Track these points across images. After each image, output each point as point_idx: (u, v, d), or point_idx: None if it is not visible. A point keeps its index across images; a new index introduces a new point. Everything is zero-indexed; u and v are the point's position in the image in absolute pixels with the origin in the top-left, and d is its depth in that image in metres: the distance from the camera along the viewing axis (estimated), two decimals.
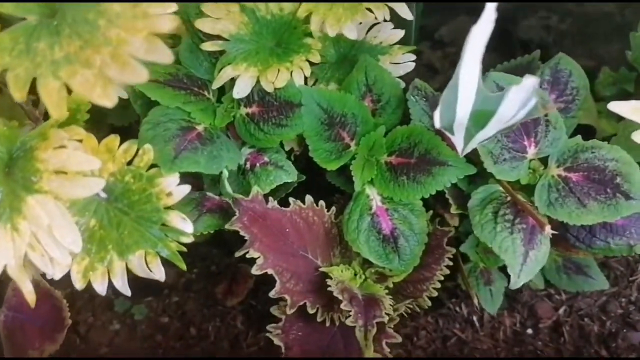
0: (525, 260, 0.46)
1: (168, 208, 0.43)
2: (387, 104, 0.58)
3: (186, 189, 0.42)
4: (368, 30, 0.61)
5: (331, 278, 0.54)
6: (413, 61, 0.60)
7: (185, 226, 0.42)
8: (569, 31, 1.02)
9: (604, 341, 0.73)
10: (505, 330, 0.74)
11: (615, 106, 0.41)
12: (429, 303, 0.56)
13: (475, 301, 0.64)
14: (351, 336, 0.52)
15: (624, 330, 0.73)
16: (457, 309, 0.76)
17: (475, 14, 0.36)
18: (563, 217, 0.49)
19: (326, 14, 0.51)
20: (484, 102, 0.39)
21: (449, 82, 0.38)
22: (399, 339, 0.52)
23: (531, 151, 0.51)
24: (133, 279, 0.45)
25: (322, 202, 0.57)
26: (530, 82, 0.37)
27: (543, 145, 0.51)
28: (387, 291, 0.55)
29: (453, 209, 0.53)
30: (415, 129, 0.55)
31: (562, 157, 0.51)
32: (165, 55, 0.32)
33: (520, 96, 0.38)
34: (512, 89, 0.38)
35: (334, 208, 0.58)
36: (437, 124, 0.39)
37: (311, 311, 0.52)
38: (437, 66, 1.02)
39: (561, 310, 0.75)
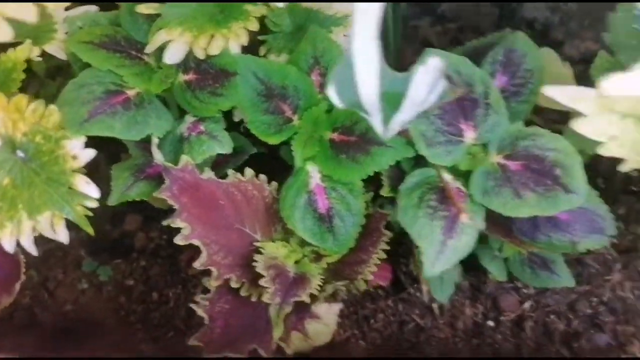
0: (442, 249, 0.43)
1: (75, 171, 0.43)
2: None
3: (92, 152, 0.42)
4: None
5: (261, 253, 0.53)
6: None
7: (90, 190, 0.42)
8: (576, 12, 0.96)
9: (567, 340, 0.69)
10: (465, 320, 0.72)
11: (550, 90, 0.38)
12: (364, 286, 0.55)
13: (424, 288, 0.61)
14: None
15: (591, 331, 0.70)
16: (419, 294, 0.74)
17: None
18: (497, 208, 0.47)
19: None
20: (393, 83, 0.37)
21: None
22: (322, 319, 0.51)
23: (469, 135, 0.48)
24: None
25: (263, 177, 0.56)
26: (434, 63, 0.34)
27: (482, 130, 0.48)
28: (320, 271, 0.53)
29: (385, 191, 0.51)
30: None
31: (503, 144, 0.48)
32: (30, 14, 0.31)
33: (428, 78, 0.36)
34: (418, 70, 0.35)
35: (275, 183, 0.56)
36: (336, 102, 0.36)
37: (235, 285, 0.51)
38: (433, 42, 0.98)
39: (527, 305, 0.72)
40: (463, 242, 0.44)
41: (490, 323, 0.72)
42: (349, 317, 0.74)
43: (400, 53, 0.79)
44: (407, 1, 0.85)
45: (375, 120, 0.41)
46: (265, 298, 0.48)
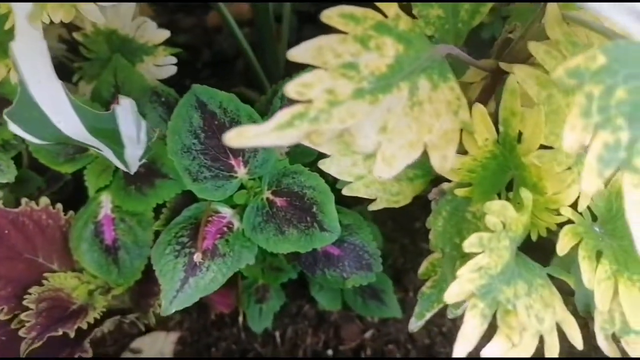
0: (182, 286, 0.43)
1: None
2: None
3: None
4: (138, 28, 0.58)
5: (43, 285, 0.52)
6: (174, 64, 0.57)
7: None
8: None
9: None
10: (305, 349, 0.71)
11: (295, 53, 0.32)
12: (154, 320, 0.54)
13: (240, 318, 0.61)
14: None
15: None
16: None
17: None
18: (262, 243, 0.46)
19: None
20: (98, 119, 0.36)
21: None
22: (90, 354, 0.50)
23: (242, 171, 0.47)
24: None
25: (59, 205, 0.55)
26: (126, 102, 0.34)
27: (253, 165, 0.47)
28: (104, 304, 0.52)
29: (157, 224, 0.50)
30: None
31: (272, 180, 0.47)
32: None
33: (130, 116, 0.35)
34: (116, 109, 0.35)
35: (72, 212, 0.55)
36: (29, 138, 0.36)
37: (3, 317, 0.50)
38: None
39: (368, 334, 0.72)
40: (207, 280, 0.43)
41: (330, 352, 0.71)
42: (191, 345, 0.73)
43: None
44: None
45: (108, 153, 0.41)
46: (21, 332, 0.47)
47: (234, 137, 0.28)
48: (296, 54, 0.29)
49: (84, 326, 0.49)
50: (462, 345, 0.30)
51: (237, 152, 0.47)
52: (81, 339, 0.49)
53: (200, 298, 0.74)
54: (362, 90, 0.30)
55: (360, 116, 0.29)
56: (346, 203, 0.52)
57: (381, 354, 0.70)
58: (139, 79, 0.55)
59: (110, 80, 0.55)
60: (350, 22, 0.29)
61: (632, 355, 0.35)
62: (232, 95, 0.46)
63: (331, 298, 0.67)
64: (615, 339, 0.36)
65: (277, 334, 0.72)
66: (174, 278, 0.43)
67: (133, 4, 0.57)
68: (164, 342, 0.71)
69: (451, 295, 0.31)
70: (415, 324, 0.44)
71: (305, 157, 0.50)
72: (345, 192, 0.43)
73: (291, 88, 0.28)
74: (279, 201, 0.47)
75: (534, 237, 0.38)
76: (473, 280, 0.32)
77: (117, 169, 0.54)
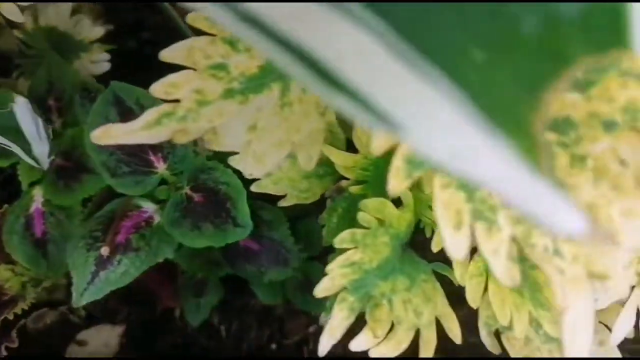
0: (93, 280, 0.44)
1: None
2: (70, 104, 0.56)
3: None
4: (76, 25, 0.59)
5: None
6: (108, 61, 0.58)
7: None
8: None
9: None
10: (250, 343, 0.73)
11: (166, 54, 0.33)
12: (83, 313, 0.55)
13: (177, 312, 0.62)
14: None
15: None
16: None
17: None
18: (179, 238, 0.47)
19: None
20: (1, 118, 0.37)
21: None
22: (15, 344, 0.51)
23: (161, 166, 0.49)
24: None
25: None
26: (20, 100, 0.35)
27: (172, 161, 0.48)
28: (34, 295, 0.54)
29: (81, 219, 0.51)
30: (77, 131, 0.53)
31: (191, 176, 0.49)
32: None
33: (27, 114, 0.36)
34: (14, 107, 0.36)
35: (7, 206, 0.57)
36: None
37: None
38: None
39: (312, 328, 0.73)
40: (118, 274, 0.44)
41: (273, 346, 0.73)
42: (137, 339, 0.74)
43: None
44: None
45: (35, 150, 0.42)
46: None
47: (101, 135, 0.29)
48: (167, 54, 0.30)
49: (10, 317, 0.50)
50: (327, 339, 0.31)
51: (156, 148, 0.48)
52: (9, 330, 0.51)
53: (147, 292, 0.75)
54: (232, 91, 0.31)
55: (229, 115, 0.30)
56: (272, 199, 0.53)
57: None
58: (73, 76, 0.56)
59: (44, 77, 0.56)
60: (217, 24, 0.30)
61: (512, 354, 0.36)
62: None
63: (269, 292, 0.68)
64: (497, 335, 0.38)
65: (223, 328, 0.74)
66: (85, 271, 0.44)
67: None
68: (109, 335, 0.72)
69: (321, 289, 0.32)
70: (324, 318, 0.45)
71: (227, 153, 0.51)
72: (254, 188, 0.44)
73: (159, 88, 0.29)
74: (196, 197, 0.48)
75: (428, 234, 0.39)
76: (346, 275, 0.33)
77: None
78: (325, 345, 0.31)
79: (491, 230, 0.23)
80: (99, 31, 0.58)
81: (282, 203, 0.45)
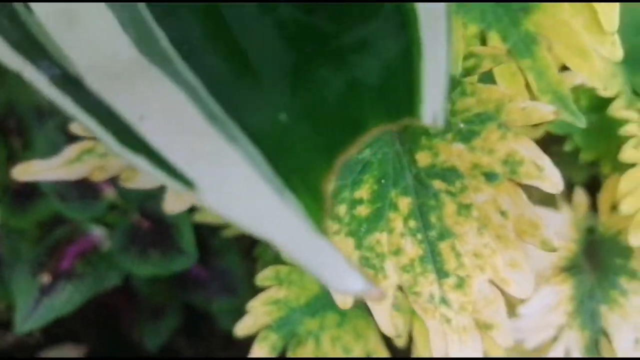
0: (37, 306, 0.44)
1: None
2: (31, 126, 0.57)
3: None
4: None
5: None
6: None
7: None
8: None
9: None
10: None
11: None
12: (38, 334, 0.55)
13: (137, 335, 0.62)
14: None
15: None
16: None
17: None
18: (127, 265, 0.47)
19: None
20: None
21: None
22: None
23: (111, 191, 0.49)
24: None
25: None
26: None
27: (122, 186, 0.48)
28: None
29: (33, 243, 0.51)
30: (33, 154, 0.54)
31: (140, 202, 0.49)
32: None
33: None
34: None
35: None
36: None
37: None
38: None
39: None
40: (62, 301, 0.44)
41: None
42: (99, 358, 0.74)
43: None
44: None
45: None
46: None
47: (20, 172, 0.29)
48: None
49: None
50: None
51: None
52: None
53: (108, 312, 0.75)
54: None
55: None
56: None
57: None
58: (31, 97, 0.57)
59: (4, 98, 0.56)
60: None
61: None
62: None
63: (230, 317, 0.68)
64: None
65: (187, 352, 0.73)
66: (28, 298, 0.44)
67: None
68: (71, 354, 0.72)
69: (241, 328, 0.32)
70: None
71: None
72: (196, 217, 0.44)
73: (79, 125, 0.29)
74: (145, 224, 0.48)
75: None
76: (270, 312, 0.33)
77: (8, 184, 0.55)
78: None
79: (377, 277, 0.23)
80: None
81: (226, 232, 0.45)
